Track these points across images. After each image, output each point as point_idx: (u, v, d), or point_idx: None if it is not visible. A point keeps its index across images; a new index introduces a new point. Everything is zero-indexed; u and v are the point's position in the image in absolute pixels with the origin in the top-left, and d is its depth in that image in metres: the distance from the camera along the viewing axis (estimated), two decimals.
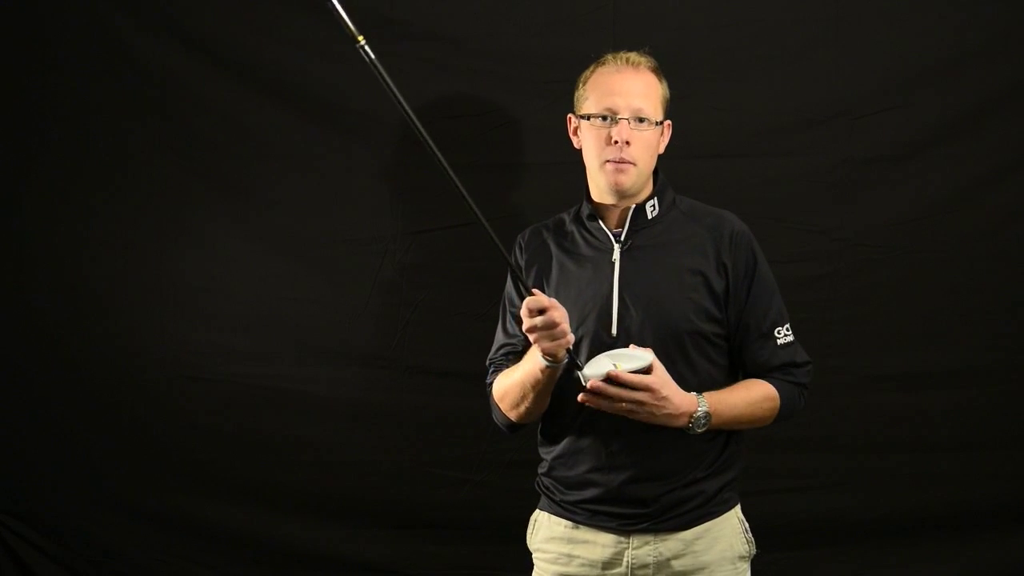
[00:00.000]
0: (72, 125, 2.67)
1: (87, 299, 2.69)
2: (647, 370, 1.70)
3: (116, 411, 2.70)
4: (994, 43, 2.45)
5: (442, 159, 1.65)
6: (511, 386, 1.86)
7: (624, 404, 1.70)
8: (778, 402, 1.85)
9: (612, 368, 1.67)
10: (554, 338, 1.68)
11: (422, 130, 1.64)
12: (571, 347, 1.71)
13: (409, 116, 1.64)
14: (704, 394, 1.78)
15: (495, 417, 1.95)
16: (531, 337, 1.71)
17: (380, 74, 1.61)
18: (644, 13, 2.50)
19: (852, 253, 2.49)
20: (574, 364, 1.70)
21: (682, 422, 1.75)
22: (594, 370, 1.69)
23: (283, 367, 2.64)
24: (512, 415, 1.89)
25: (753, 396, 1.84)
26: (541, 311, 1.67)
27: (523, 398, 1.83)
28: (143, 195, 2.66)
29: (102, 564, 2.72)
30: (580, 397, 1.71)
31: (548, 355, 1.71)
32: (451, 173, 1.66)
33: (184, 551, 2.70)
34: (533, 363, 1.77)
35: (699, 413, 1.75)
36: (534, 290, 1.71)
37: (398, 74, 2.50)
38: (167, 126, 2.65)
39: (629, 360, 1.70)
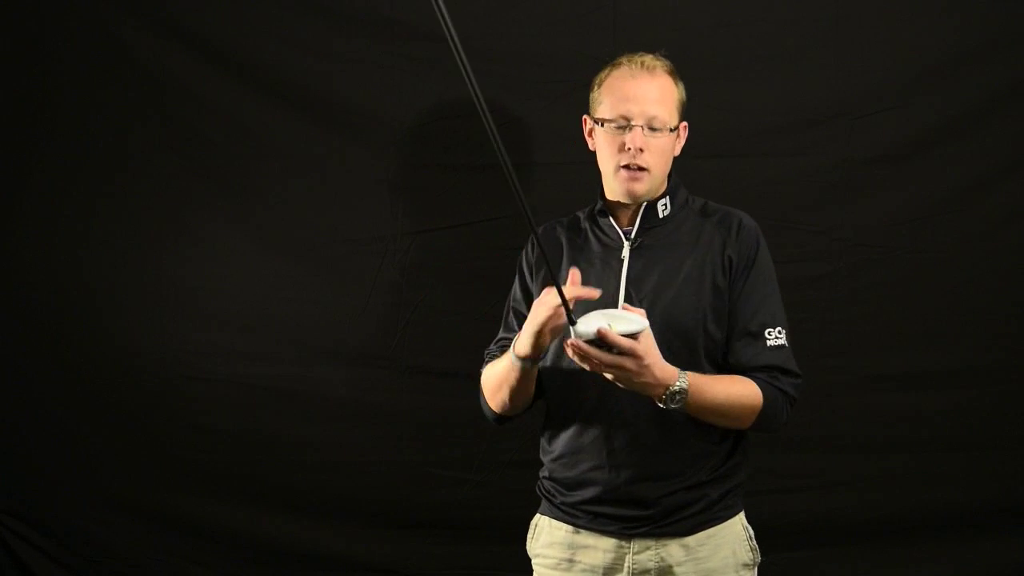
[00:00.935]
0: (72, 125, 2.67)
1: (87, 299, 2.68)
2: (637, 335, 1.64)
3: (116, 411, 2.70)
4: (994, 43, 2.45)
5: (483, 104, 1.59)
6: (493, 375, 1.89)
7: (605, 366, 1.64)
8: (760, 402, 1.76)
9: (604, 327, 1.61)
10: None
11: (466, 66, 1.55)
12: (568, 304, 1.64)
13: (459, 54, 1.53)
14: (688, 372, 1.71)
15: (482, 407, 1.96)
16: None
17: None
18: (644, 13, 2.50)
19: (852, 253, 2.49)
20: (568, 319, 1.65)
21: (657, 392, 1.68)
22: (586, 327, 1.62)
23: (283, 367, 2.64)
24: (493, 404, 1.91)
25: (736, 389, 1.76)
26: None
27: (500, 388, 1.86)
28: (143, 195, 2.66)
29: (102, 564, 2.72)
30: (567, 342, 1.65)
31: (522, 357, 1.75)
32: (498, 140, 1.59)
33: (184, 551, 2.70)
34: (510, 358, 1.79)
35: (675, 387, 1.68)
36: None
37: (398, 74, 2.58)
38: (167, 126, 2.65)
39: (622, 322, 1.63)
